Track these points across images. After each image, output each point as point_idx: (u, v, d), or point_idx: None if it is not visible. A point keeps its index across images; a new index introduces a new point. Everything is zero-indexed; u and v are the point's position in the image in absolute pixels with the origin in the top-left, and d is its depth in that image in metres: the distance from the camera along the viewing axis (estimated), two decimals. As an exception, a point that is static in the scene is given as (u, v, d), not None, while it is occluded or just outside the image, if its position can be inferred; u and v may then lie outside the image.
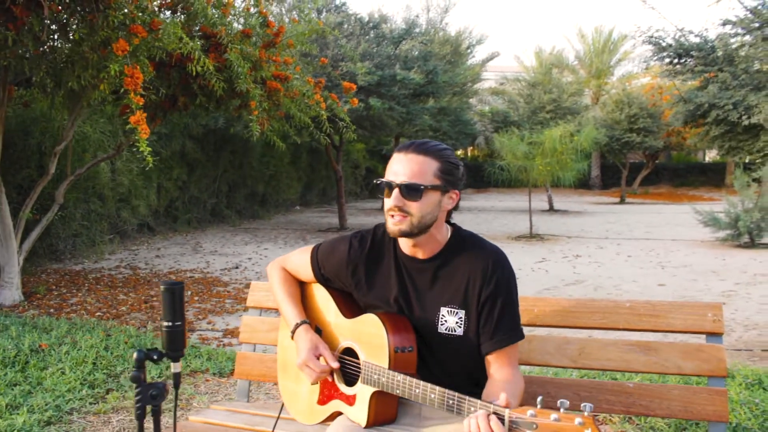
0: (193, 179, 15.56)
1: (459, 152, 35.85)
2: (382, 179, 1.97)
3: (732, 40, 5.51)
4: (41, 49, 5.51)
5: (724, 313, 6.83)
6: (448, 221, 2.10)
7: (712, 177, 34.77)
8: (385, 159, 31.87)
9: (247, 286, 8.59)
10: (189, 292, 8.08)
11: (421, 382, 1.84)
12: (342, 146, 15.96)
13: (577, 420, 1.49)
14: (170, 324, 1.65)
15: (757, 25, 5.49)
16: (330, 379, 2.13)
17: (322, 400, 2.13)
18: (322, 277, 2.23)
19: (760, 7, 5.46)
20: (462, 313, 1.99)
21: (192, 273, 9.57)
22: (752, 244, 11.94)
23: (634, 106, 25.08)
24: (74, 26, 4.92)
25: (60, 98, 7.03)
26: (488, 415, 1.64)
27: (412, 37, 15.16)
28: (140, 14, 5.20)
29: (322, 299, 2.23)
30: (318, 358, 2.08)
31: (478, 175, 29.35)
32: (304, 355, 2.07)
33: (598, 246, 12.52)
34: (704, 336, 2.33)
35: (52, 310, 6.86)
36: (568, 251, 11.77)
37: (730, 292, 8.11)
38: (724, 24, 5.59)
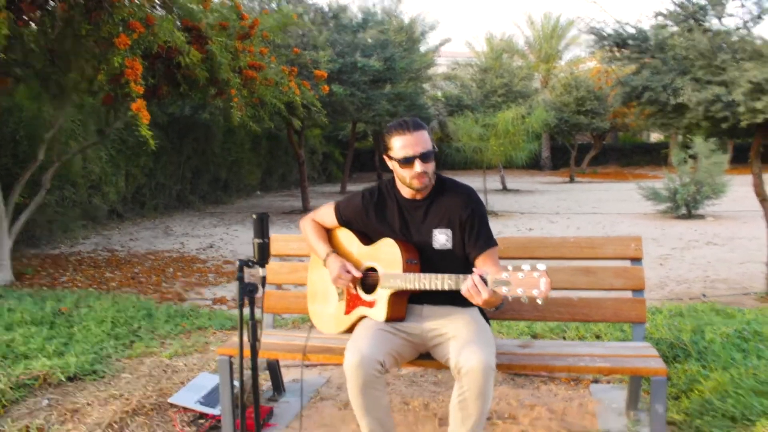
0: (159, 166, 15.93)
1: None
2: (407, 156, 2.66)
3: (663, 30, 6.22)
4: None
5: (660, 272, 7.73)
6: None
7: (656, 156, 36.17)
8: (342, 144, 32.12)
9: (225, 262, 9.18)
10: (171, 269, 8.61)
11: (427, 274, 2.60)
12: (303, 132, 16.50)
13: (535, 273, 2.30)
14: (261, 240, 2.32)
15: (683, 17, 6.26)
16: (354, 292, 2.84)
17: (348, 311, 2.86)
18: (342, 221, 2.99)
19: (686, 2, 6.24)
20: (449, 232, 2.77)
21: (169, 253, 10.06)
22: (689, 215, 12.96)
23: (582, 89, 26.03)
24: (79, 23, 5.42)
25: (49, 88, 7.45)
26: (474, 276, 2.42)
27: (370, 26, 15.77)
28: (136, 11, 5.73)
29: (346, 237, 2.98)
30: (347, 273, 2.80)
31: (433, 158, 30.09)
32: (336, 271, 2.81)
33: (550, 220, 13.39)
34: (629, 261, 3.09)
35: (45, 288, 7.29)
36: (521, 225, 12.61)
37: (666, 255, 9.03)
38: (656, 16, 6.32)
